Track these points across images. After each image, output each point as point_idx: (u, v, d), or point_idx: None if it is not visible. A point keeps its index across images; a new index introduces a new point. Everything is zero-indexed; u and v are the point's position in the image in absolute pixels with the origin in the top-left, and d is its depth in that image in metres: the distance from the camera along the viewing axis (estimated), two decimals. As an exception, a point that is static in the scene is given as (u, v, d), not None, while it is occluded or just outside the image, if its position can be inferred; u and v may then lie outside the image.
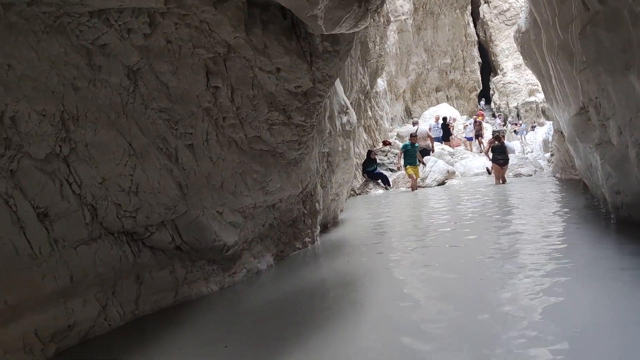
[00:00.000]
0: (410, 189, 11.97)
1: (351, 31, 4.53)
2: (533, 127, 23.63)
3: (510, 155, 12.27)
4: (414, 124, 15.75)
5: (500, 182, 11.26)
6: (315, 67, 4.76)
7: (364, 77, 11.44)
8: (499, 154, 11.48)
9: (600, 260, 4.25)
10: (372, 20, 11.97)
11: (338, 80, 7.63)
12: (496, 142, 11.77)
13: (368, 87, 12.19)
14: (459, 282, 4.09)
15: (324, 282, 4.72)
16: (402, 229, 6.93)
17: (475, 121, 19.41)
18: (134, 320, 3.86)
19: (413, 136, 12.62)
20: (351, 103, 9.55)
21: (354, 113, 7.78)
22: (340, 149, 7.03)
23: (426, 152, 13.93)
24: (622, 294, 3.40)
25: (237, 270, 4.67)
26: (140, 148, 3.86)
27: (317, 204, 6.21)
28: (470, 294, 3.77)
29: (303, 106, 4.98)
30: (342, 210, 8.93)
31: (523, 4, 27.90)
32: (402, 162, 12.51)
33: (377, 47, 12.47)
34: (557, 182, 9.87)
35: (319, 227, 6.45)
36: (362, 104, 12.06)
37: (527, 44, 9.68)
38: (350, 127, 7.39)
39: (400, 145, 13.60)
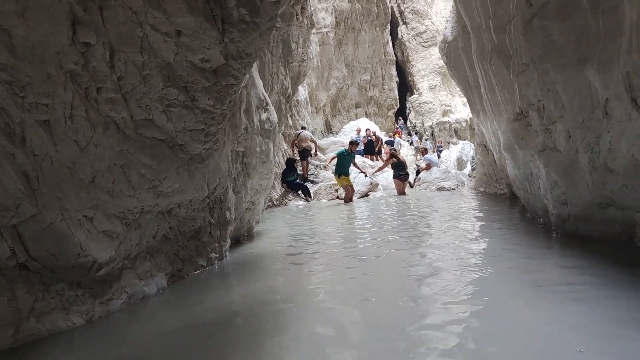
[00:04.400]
0: (343, 200, 11.29)
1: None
2: (439, 147, 24.23)
3: (433, 169, 12.25)
4: (302, 128, 15.30)
5: (401, 193, 12.17)
6: (229, 39, 3.78)
7: (285, 79, 10.58)
8: (400, 170, 12.36)
9: (543, 276, 3.67)
10: (296, 19, 11.21)
11: (257, 73, 6.68)
12: (394, 160, 12.59)
13: (290, 90, 11.34)
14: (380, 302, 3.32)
15: (231, 310, 3.64)
16: (324, 243, 6.03)
17: (371, 137, 19.43)
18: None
19: (352, 144, 11.95)
20: (272, 105, 8.62)
21: (274, 111, 6.84)
22: (258, 149, 6.04)
23: (306, 152, 14.03)
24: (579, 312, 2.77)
25: (113, 295, 3.47)
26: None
27: (227, 213, 5.14)
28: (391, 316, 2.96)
29: (212, 87, 3.96)
30: (258, 222, 7.88)
31: (440, 27, 29.00)
32: (331, 166, 12.09)
33: (299, 50, 11.69)
34: (482, 197, 9.58)
35: (229, 240, 5.36)
36: (284, 109, 11.17)
37: (453, 53, 9.39)
38: (271, 126, 6.43)
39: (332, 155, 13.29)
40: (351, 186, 11.48)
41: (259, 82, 6.49)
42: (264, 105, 6.28)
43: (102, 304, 3.41)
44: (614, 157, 3.81)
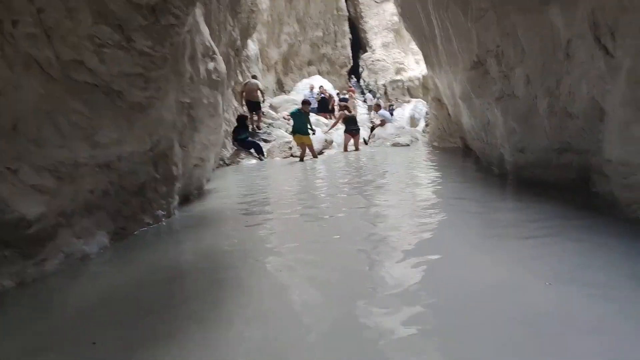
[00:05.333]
0: (298, 158, 11.11)
1: None
2: (391, 107, 24.20)
3: (388, 125, 12.24)
4: (253, 77, 14.78)
5: (354, 149, 12.26)
6: (167, -29, 3.41)
7: (233, 30, 10.05)
8: (352, 124, 12.42)
9: (502, 220, 3.68)
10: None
11: (202, 19, 6.24)
12: (346, 113, 12.69)
13: (239, 43, 10.81)
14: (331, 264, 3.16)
15: (180, 267, 3.44)
16: (278, 201, 5.86)
17: (324, 95, 19.15)
18: None
19: (304, 104, 11.62)
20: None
21: (222, 62, 6.44)
22: (205, 101, 5.68)
23: (253, 104, 13.85)
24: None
25: (48, 255, 3.16)
26: None
27: (174, 168, 4.84)
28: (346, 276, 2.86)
29: (151, 27, 3.60)
30: (209, 180, 7.58)
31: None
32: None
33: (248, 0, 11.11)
34: (436, 150, 9.64)
35: (177, 197, 5.07)
36: (233, 62, 10.67)
37: (408, 4, 9.17)
38: (218, 77, 6.06)
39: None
40: (310, 145, 11.26)
41: (205, 29, 6.07)
42: (211, 53, 5.89)
43: (35, 265, 3.10)
44: (573, 100, 3.79)
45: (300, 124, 11.09)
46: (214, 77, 5.93)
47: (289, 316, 2.34)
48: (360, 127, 12.87)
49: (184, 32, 4.52)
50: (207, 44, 5.84)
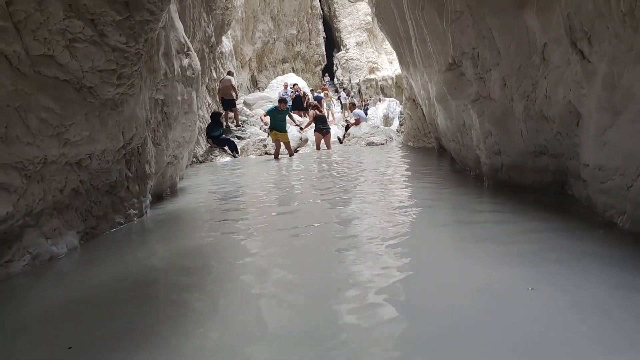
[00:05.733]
0: (273, 156, 11.10)
1: None
2: (366, 105, 24.31)
3: (362, 124, 12.27)
4: (228, 73, 14.71)
5: (327, 148, 12.39)
6: (142, -35, 3.33)
7: (208, 26, 9.91)
8: (322, 123, 12.52)
9: (478, 224, 3.71)
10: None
11: (177, 15, 6.14)
12: (317, 112, 12.71)
13: (213, 39, 10.67)
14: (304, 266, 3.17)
15: (151, 268, 3.36)
16: (252, 200, 5.80)
17: (299, 93, 19.14)
18: None
19: (281, 102, 11.53)
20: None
21: (197, 58, 6.35)
22: (179, 98, 5.59)
23: (227, 102, 13.74)
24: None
25: (14, 257, 3.05)
26: None
27: (147, 166, 4.74)
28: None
29: (124, 21, 3.51)
30: (182, 178, 7.47)
31: (367, -19, 28.65)
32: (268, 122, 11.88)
33: (223, -4, 10.98)
34: (410, 150, 9.73)
35: (149, 196, 4.97)
36: (207, 58, 10.53)
37: (383, 3, 9.22)
38: (193, 74, 5.97)
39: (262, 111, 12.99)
40: (287, 142, 11.22)
41: (179, 25, 5.96)
42: (185, 50, 5.79)
43: (0, 267, 2.99)
44: (549, 104, 3.87)
45: (278, 121, 11.02)
46: (188, 73, 5.84)
47: (254, 323, 2.30)
48: (330, 127, 13.02)
49: (158, 28, 4.43)
50: (182, 40, 5.75)
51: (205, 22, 9.60)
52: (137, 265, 3.33)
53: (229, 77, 14.21)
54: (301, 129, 12.95)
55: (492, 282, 2.55)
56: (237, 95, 14.68)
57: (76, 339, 2.20)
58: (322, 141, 12.39)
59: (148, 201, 4.93)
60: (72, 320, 2.44)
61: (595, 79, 3.25)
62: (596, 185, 3.44)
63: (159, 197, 5.91)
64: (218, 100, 13.66)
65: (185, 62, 5.76)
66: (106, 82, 3.62)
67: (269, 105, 15.36)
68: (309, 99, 19.14)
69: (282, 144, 11.18)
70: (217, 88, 13.54)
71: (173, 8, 5.90)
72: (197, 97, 6.50)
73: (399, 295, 2.48)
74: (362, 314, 2.25)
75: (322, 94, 20.63)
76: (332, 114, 20.93)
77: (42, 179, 3.24)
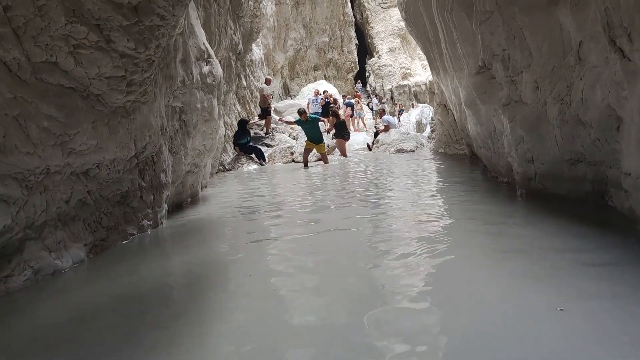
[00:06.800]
0: (303, 163, 10.86)
1: None
2: (400, 112, 23.92)
3: (392, 131, 11.98)
4: (266, 80, 14.88)
5: (341, 155, 12.09)
6: (150, -33, 3.20)
7: (235, 34, 9.86)
8: (342, 129, 12.20)
9: (511, 240, 3.38)
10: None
11: (198, 22, 6.05)
12: (335, 119, 12.32)
13: (241, 47, 10.62)
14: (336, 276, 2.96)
15: (164, 282, 3.18)
16: (278, 210, 5.60)
17: (328, 99, 18.79)
18: None
19: (300, 114, 11.25)
20: (220, 61, 7.97)
21: (218, 65, 6.24)
22: (199, 105, 5.47)
23: (265, 110, 13.85)
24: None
25: (13, 271, 2.94)
26: None
27: (162, 175, 4.62)
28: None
29: (132, 27, 3.38)
30: (205, 187, 7.39)
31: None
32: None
33: (250, 4, 10.91)
34: (442, 158, 9.35)
35: (165, 205, 4.85)
36: (234, 66, 10.48)
37: (412, 8, 8.95)
38: (214, 81, 5.86)
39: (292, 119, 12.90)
40: (322, 153, 10.94)
41: (200, 32, 5.87)
42: (206, 57, 5.68)
43: (-1, 282, 2.88)
44: (586, 107, 3.51)
45: (309, 132, 10.71)
46: (209, 80, 5.73)
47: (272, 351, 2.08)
48: (349, 132, 12.98)
49: (174, 34, 4.32)
50: (202, 47, 5.64)
51: (231, 30, 9.56)
52: (143, 280, 3.16)
53: (263, 85, 14.29)
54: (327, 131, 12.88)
55: (519, 299, 2.32)
56: (268, 103, 14.71)
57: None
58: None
59: (164, 211, 4.81)
60: (72, 341, 2.28)
61: (638, 79, 2.90)
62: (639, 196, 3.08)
63: (179, 206, 5.80)
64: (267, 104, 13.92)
65: (206, 69, 5.65)
66: (115, 89, 3.50)
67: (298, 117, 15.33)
68: (339, 105, 18.91)
69: (310, 151, 10.91)
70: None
71: (194, 15, 5.81)
72: (219, 104, 6.39)
73: (430, 316, 2.26)
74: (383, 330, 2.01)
75: (353, 101, 20.42)
76: (363, 120, 20.63)
77: (45, 189, 3.13)
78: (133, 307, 2.66)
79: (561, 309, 2.13)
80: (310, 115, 11.48)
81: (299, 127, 11.58)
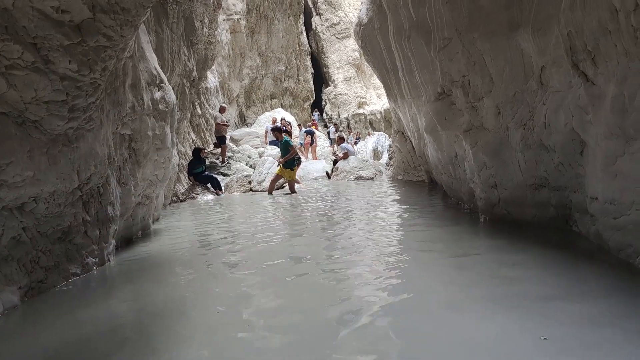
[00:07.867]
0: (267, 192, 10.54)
1: None
2: (357, 140, 24.12)
3: (351, 158, 11.93)
4: (220, 109, 14.84)
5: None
6: (95, -15, 2.97)
7: (189, 60, 9.62)
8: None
9: (477, 270, 3.26)
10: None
11: (149, 46, 5.80)
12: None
13: (195, 74, 10.37)
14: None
15: (101, 331, 2.85)
16: (234, 241, 5.31)
17: (286, 127, 18.67)
18: None
19: (274, 130, 11.17)
20: (173, 88, 7.68)
21: (172, 91, 5.96)
22: (150, 133, 5.17)
23: (221, 138, 13.54)
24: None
25: None
26: None
27: (109, 208, 4.27)
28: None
29: (75, 47, 3.12)
30: (157, 219, 6.98)
31: (353, 18, 28.97)
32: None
33: (205, 30, 10.72)
34: (401, 184, 9.32)
35: (113, 241, 4.48)
36: (188, 93, 10.20)
37: (369, 36, 9.02)
38: (167, 107, 5.58)
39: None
40: (289, 179, 10.58)
41: (152, 56, 5.61)
42: (158, 82, 5.42)
43: None
44: (549, 132, 3.50)
45: (284, 154, 10.46)
46: (161, 107, 5.45)
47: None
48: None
49: (123, 57, 4.06)
50: (154, 71, 5.38)
51: (185, 55, 9.32)
52: (82, 327, 2.83)
53: (216, 113, 14.06)
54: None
55: (502, 333, 2.22)
56: (224, 130, 14.44)
57: None
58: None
59: (111, 247, 4.44)
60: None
61: (603, 103, 2.90)
62: (607, 221, 3.04)
63: (128, 241, 5.40)
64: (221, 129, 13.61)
65: (158, 94, 5.38)
66: (55, 115, 3.20)
67: (256, 141, 14.94)
68: (290, 129, 18.72)
69: (280, 178, 10.63)
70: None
71: (145, 38, 5.56)
72: (172, 132, 6.09)
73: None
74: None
75: (313, 128, 20.40)
76: (314, 151, 20.23)
77: (-30, 227, 2.76)
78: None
79: (545, 338, 2.04)
80: (285, 138, 11.07)
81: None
